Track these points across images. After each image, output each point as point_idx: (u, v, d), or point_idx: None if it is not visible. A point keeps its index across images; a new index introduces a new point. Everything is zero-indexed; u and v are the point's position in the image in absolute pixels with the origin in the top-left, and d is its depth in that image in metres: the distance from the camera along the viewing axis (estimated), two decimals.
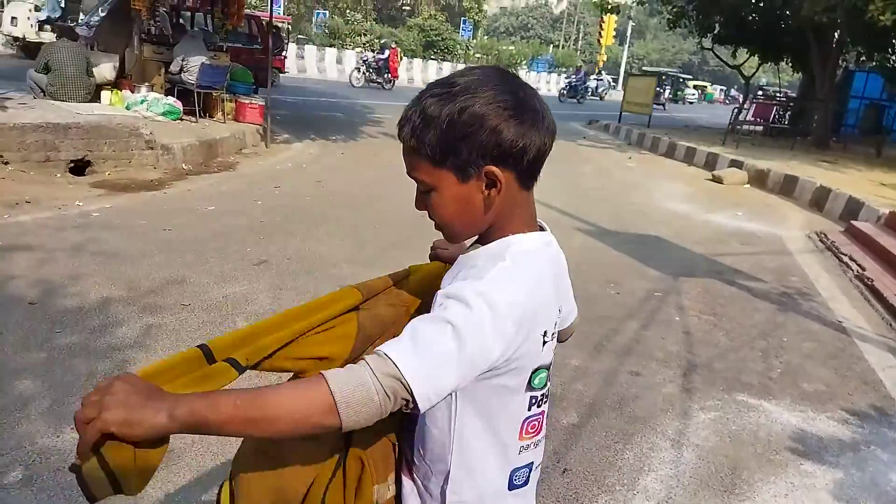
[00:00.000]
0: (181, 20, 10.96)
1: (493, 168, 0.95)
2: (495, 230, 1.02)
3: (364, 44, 33.03)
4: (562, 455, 2.80)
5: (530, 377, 1.00)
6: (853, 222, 7.49)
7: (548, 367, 1.03)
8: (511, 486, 1.07)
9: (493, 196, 0.97)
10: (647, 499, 2.60)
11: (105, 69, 8.62)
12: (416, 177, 1.00)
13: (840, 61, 16.05)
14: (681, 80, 41.50)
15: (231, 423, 0.81)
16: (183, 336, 3.45)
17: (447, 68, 33.40)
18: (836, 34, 14.48)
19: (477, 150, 0.93)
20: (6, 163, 6.10)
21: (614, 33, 37.30)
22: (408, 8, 46.04)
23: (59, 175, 6.39)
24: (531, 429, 1.05)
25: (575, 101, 29.37)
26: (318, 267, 4.70)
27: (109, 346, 3.25)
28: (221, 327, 3.60)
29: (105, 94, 8.36)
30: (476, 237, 1.05)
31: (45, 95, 7.85)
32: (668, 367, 3.74)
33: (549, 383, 1.06)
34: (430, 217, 1.03)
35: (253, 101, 10.16)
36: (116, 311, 3.66)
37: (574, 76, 32.29)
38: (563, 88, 30.87)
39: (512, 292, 0.92)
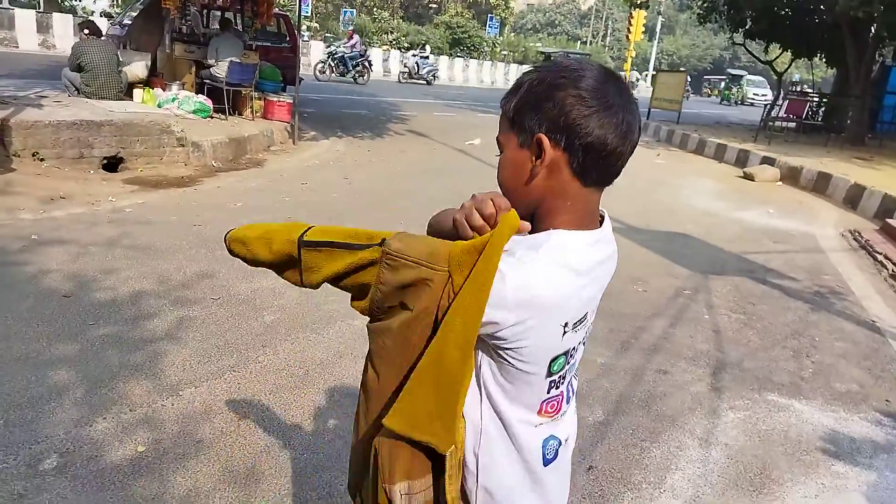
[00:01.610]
0: (225, 15, 11.07)
1: (543, 136, 0.97)
2: (542, 218, 1.02)
3: (391, 41, 33.15)
4: (587, 453, 2.78)
5: (549, 364, 1.02)
6: (888, 220, 7.31)
7: (566, 353, 1.05)
8: (545, 462, 1.10)
9: (537, 168, 0.99)
10: (673, 497, 2.57)
11: (137, 67, 8.76)
12: (497, 138, 1.06)
13: (876, 56, 15.65)
14: (733, 77, 37.88)
15: None
16: (213, 328, 3.50)
17: (473, 66, 33.34)
18: (872, 28, 14.12)
19: (539, 118, 0.97)
20: (42, 159, 6.25)
21: (643, 29, 36.79)
22: (435, 5, 46.01)
23: (92, 172, 6.52)
24: (550, 408, 1.08)
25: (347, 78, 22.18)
26: None
27: (141, 338, 3.32)
28: (250, 321, 3.65)
29: (137, 92, 8.50)
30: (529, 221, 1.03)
31: (79, 94, 8.01)
32: (696, 366, 3.70)
33: (570, 361, 1.09)
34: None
35: (281, 99, 10.26)
36: (148, 303, 3.72)
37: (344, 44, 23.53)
38: (326, 60, 22.55)
39: (527, 276, 0.93)
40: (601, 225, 1.07)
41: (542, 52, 28.63)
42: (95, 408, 2.72)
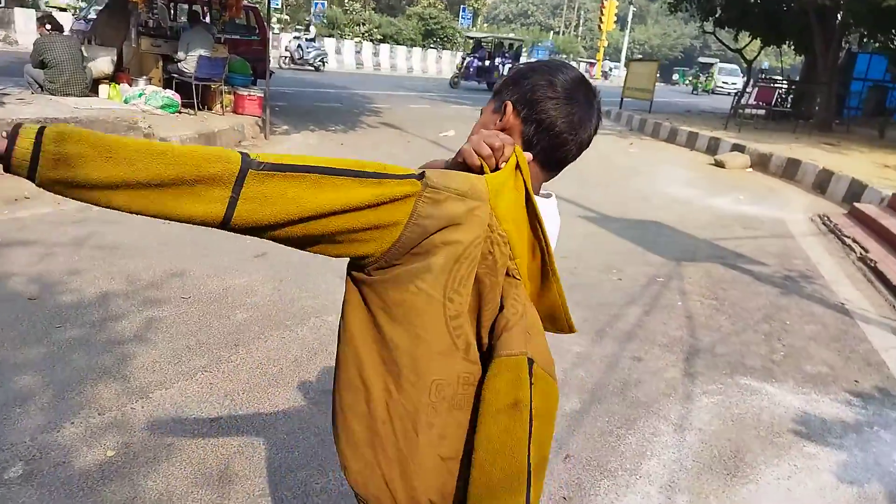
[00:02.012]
0: (193, 8, 10.86)
1: (510, 103, 1.13)
2: None
3: (363, 34, 32.88)
4: (564, 441, 2.79)
5: None
6: (856, 205, 7.44)
7: None
8: None
9: (496, 125, 1.14)
10: (649, 483, 2.59)
11: (102, 63, 8.58)
12: (482, 108, 1.21)
13: (843, 43, 15.89)
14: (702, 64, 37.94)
15: None
16: (183, 328, 3.44)
17: (447, 57, 33.24)
18: (838, 16, 14.33)
19: (512, 90, 1.14)
20: None
21: (615, 18, 36.95)
22: None
23: None
24: None
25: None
26: (317, 258, 4.68)
27: (109, 340, 3.25)
28: (221, 320, 3.60)
29: (103, 88, 8.32)
30: None
31: (42, 90, 7.82)
32: (670, 352, 3.73)
33: None
34: None
35: (251, 93, 10.11)
36: (116, 305, 3.65)
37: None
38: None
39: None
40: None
41: (471, 38, 27.10)
42: (63, 413, 2.65)
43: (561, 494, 2.47)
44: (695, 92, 37.39)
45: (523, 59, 35.43)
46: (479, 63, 24.27)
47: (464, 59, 24.75)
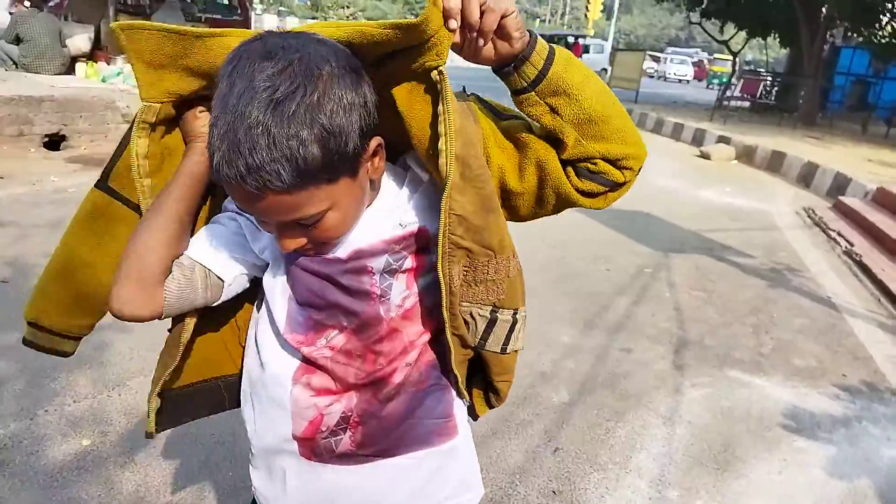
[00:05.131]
0: None
1: (375, 137, 0.85)
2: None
3: (348, 16, 32.53)
4: (553, 434, 2.74)
5: None
6: (841, 198, 7.47)
7: None
8: None
9: (379, 163, 0.88)
10: (639, 477, 2.55)
11: (80, 40, 8.34)
12: (301, 215, 0.81)
13: (828, 36, 15.98)
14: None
15: None
16: None
17: None
18: (823, 9, 14.39)
19: (360, 132, 0.80)
20: None
21: (601, 7, 36.87)
22: None
23: (33, 150, 6.20)
24: None
25: None
26: None
27: None
28: None
29: (80, 67, 8.10)
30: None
31: (17, 67, 7.59)
32: (659, 344, 3.70)
33: None
34: (309, 245, 0.88)
35: None
36: None
37: None
38: None
39: None
40: None
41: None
42: (37, 400, 2.55)
43: (551, 488, 2.42)
44: (652, 78, 38.59)
45: None
46: None
47: None
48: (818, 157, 9.48)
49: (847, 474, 2.70)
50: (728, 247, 5.75)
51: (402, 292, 0.96)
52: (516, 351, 1.02)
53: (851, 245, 5.89)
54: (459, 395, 1.06)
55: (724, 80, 33.51)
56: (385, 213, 0.95)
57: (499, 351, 0.99)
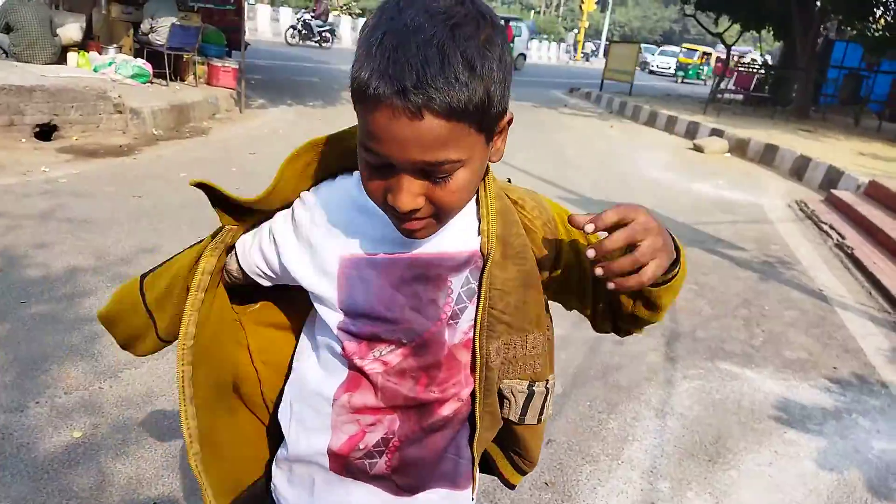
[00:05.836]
0: None
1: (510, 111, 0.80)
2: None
3: (341, 7, 32.30)
4: (547, 426, 2.74)
5: None
6: (833, 191, 7.51)
7: None
8: None
9: (502, 144, 0.83)
10: (631, 468, 2.56)
11: (71, 29, 8.25)
12: (444, 158, 0.72)
13: (821, 30, 15.99)
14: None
15: None
16: None
17: None
18: (817, 2, 14.40)
19: (505, 95, 0.75)
20: None
21: (596, 0, 36.82)
22: None
23: (24, 140, 6.14)
24: None
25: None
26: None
27: (77, 317, 3.12)
28: None
29: (71, 56, 8.01)
30: None
31: (7, 56, 7.50)
32: (651, 336, 3.71)
33: None
34: (427, 208, 0.78)
35: (226, 65, 9.84)
36: (85, 280, 3.51)
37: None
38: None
39: None
40: None
41: None
42: (27, 391, 2.54)
43: (543, 479, 2.43)
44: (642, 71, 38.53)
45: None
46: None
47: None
48: (811, 150, 9.51)
49: (837, 466, 2.72)
50: (720, 239, 5.77)
51: (470, 320, 0.89)
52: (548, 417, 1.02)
53: (843, 238, 5.92)
54: (472, 477, 1.01)
55: (692, 72, 33.92)
56: (472, 220, 0.88)
57: (536, 423, 1.00)
